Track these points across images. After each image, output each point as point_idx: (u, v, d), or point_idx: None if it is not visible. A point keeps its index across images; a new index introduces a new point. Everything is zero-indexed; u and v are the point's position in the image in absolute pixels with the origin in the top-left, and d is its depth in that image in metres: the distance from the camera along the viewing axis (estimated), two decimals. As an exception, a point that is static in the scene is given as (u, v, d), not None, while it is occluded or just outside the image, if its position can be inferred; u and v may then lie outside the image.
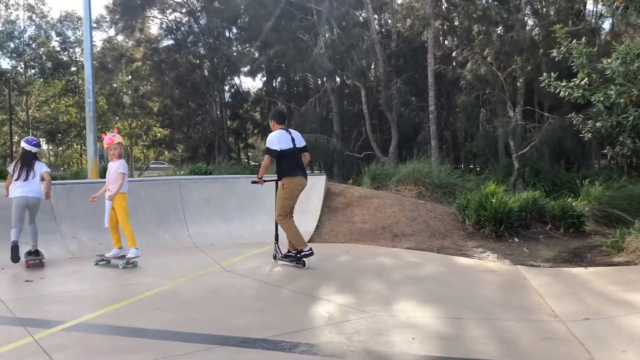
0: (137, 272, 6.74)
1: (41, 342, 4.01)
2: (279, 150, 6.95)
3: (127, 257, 7.09)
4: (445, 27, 27.72)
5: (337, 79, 28.88)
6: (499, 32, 20.62)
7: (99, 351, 3.84)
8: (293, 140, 7.20)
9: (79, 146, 54.48)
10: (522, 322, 4.51)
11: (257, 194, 10.60)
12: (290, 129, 7.45)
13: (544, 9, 20.96)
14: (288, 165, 7.04)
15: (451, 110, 26.37)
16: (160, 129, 47.12)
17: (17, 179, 7.14)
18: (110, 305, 5.09)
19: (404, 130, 24.65)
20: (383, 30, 29.68)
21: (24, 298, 5.40)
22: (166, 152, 50.57)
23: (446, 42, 29.26)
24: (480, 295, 5.54)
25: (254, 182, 7.65)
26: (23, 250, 7.19)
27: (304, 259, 6.83)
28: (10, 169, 7.38)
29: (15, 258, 6.95)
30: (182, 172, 18.63)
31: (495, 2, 19.22)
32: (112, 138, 7.21)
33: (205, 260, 7.55)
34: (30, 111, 49.92)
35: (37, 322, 4.56)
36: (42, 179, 7.36)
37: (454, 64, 23.29)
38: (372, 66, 26.14)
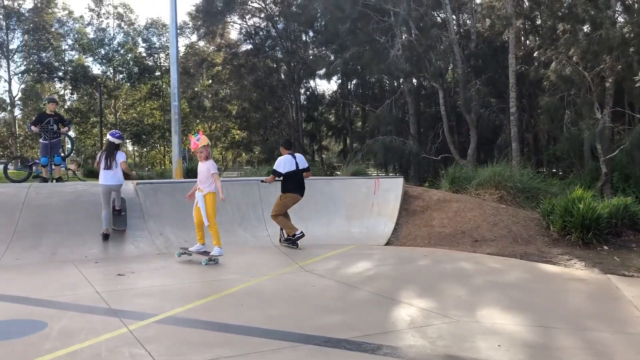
0: (220, 269, 6.95)
1: (135, 332, 4.22)
2: (283, 172, 8.91)
3: (210, 254, 7.33)
4: (527, 26, 26.78)
5: (414, 80, 28.58)
6: (585, 30, 19.66)
7: (189, 343, 3.99)
8: (297, 164, 9.02)
9: (162, 147, 56.84)
10: (617, 335, 4.28)
11: (333, 196, 10.70)
12: (295, 154, 9.24)
13: (636, 5, 19.77)
14: (289, 184, 8.91)
15: (533, 112, 25.41)
16: (238, 132, 48.37)
17: (103, 168, 8.30)
18: (197, 300, 5.28)
19: (483, 132, 23.99)
20: (462, 30, 29.05)
21: (117, 291, 5.70)
22: (243, 153, 51.79)
23: (528, 41, 28.25)
24: (568, 304, 5.31)
25: (262, 181, 9.75)
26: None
27: (297, 241, 8.57)
28: (98, 156, 8.57)
29: (104, 238, 8.30)
30: (260, 173, 19.04)
31: (582, -1, 18.35)
32: (196, 142, 7.44)
33: (284, 259, 7.68)
34: (118, 114, 52.69)
35: (130, 314, 4.80)
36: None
37: (537, 64, 22.39)
38: (450, 67, 25.65)
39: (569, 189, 12.30)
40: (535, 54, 25.00)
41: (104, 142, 55.58)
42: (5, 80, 49.32)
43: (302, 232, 8.62)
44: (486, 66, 24.74)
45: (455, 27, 25.75)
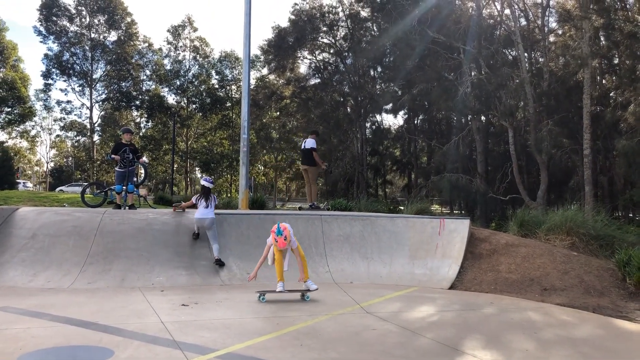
0: (280, 305, 6.97)
1: (196, 367, 4.27)
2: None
3: (311, 288, 7.52)
4: (603, 65, 25.96)
5: (483, 118, 28.13)
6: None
7: (248, 383, 4.00)
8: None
9: (229, 176, 58.29)
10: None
11: (396, 234, 10.56)
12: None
13: None
14: None
15: (608, 154, 24.39)
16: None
17: (201, 207, 9.41)
18: (257, 337, 5.30)
19: (554, 173, 23.21)
20: (534, 69, 28.50)
21: (181, 322, 5.81)
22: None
23: (604, 81, 27.34)
24: (647, 368, 4.96)
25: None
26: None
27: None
28: (194, 199, 9.66)
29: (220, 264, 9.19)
30: (324, 206, 19.11)
31: (665, 40, 17.55)
32: (283, 242, 7.46)
33: (344, 298, 7.61)
34: (190, 142, 54.59)
35: (192, 347, 4.87)
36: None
37: (613, 105, 21.52)
38: (521, 105, 25.11)
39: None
40: (612, 94, 24.11)
41: (174, 168, 57.66)
42: (87, 108, 52.36)
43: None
44: (559, 106, 24.04)
45: (527, 65, 25.29)
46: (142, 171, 13.80)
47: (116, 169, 11.29)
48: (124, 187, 11.16)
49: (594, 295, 8.42)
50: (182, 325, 5.67)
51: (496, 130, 27.86)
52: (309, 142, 13.69)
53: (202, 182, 10.00)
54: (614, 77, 25.45)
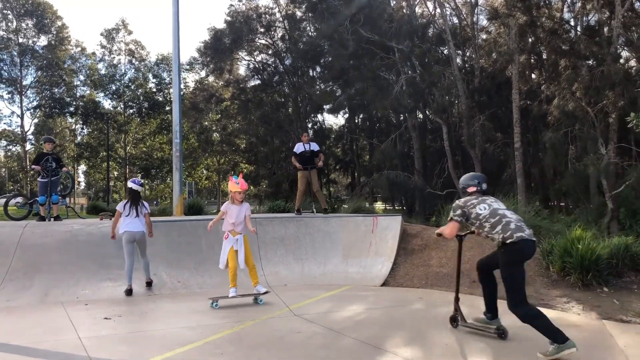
0: (209, 313, 6.85)
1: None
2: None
3: (262, 295, 7.45)
4: (532, 60, 26.93)
5: (420, 115, 28.68)
6: (588, 65, 19.70)
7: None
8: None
9: (171, 181, 57.10)
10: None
11: (330, 234, 10.60)
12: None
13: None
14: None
15: (538, 146, 25.33)
16: (246, 165, 48.61)
17: (127, 216, 8.17)
18: (178, 348, 5.18)
19: (488, 167, 23.90)
20: (466, 65, 29.30)
21: (100, 337, 5.61)
22: (252, 187, 51.95)
23: (533, 75, 28.38)
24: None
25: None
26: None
27: None
28: (119, 207, 8.30)
29: (128, 293, 8.07)
30: (262, 208, 19.03)
31: (584, 36, 18.35)
32: (244, 184, 7.52)
33: (275, 302, 7.56)
34: (128, 148, 53.18)
35: (108, 363, 4.71)
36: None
37: (541, 98, 22.40)
38: (454, 101, 25.75)
39: (574, 225, 12.08)
40: (540, 89, 25.07)
41: (111, 176, 56.02)
42: (18, 116, 50.21)
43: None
44: (490, 101, 24.81)
45: (459, 62, 25.96)
46: (69, 180, 13.31)
47: (39, 179, 10.85)
48: (48, 198, 10.73)
49: (519, 284, 8.69)
50: (100, 340, 5.48)
51: (432, 126, 28.49)
52: (314, 145, 12.86)
53: (130, 185, 8.56)
54: (542, 72, 26.48)
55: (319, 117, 41.89)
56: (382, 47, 24.08)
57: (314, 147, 12.81)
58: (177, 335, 5.71)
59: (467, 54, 30.62)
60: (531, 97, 24.54)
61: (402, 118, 30.25)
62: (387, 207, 42.82)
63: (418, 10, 28.10)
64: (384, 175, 24.46)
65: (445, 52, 26.86)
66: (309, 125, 40.91)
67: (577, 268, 8.41)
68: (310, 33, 36.79)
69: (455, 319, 6.15)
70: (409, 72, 23.98)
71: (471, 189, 5.99)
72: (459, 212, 5.82)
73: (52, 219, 10.70)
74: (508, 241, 5.28)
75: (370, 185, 28.85)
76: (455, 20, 29.65)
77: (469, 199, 5.85)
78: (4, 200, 13.51)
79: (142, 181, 8.83)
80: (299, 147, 12.93)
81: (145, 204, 8.56)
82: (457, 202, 6.04)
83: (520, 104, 21.93)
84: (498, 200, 5.97)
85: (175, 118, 14.47)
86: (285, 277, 9.52)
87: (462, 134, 24.10)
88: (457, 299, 6.22)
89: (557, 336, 4.92)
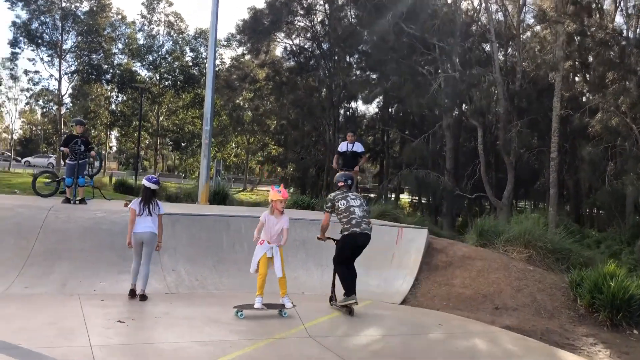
0: (223, 324, 6.71)
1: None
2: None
3: (287, 308, 7.27)
4: (577, 65, 26.03)
5: (456, 112, 28.06)
6: (638, 79, 18.88)
7: None
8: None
9: (199, 156, 57.57)
10: None
11: (355, 242, 10.37)
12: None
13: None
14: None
15: (576, 158, 24.63)
16: (275, 147, 48.57)
17: (139, 215, 7.56)
18: (188, 369, 5.05)
19: (521, 174, 23.35)
20: (507, 64, 28.46)
21: (110, 346, 5.51)
22: (279, 168, 52.00)
23: (576, 78, 27.44)
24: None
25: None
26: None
27: None
28: (133, 204, 7.67)
29: (131, 295, 7.59)
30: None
31: (637, 49, 17.56)
32: (286, 193, 7.40)
33: (292, 314, 7.38)
34: (160, 119, 53.60)
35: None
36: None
37: (583, 110, 21.62)
38: (492, 105, 25.08)
39: (605, 244, 11.68)
40: (583, 99, 24.26)
41: (145, 145, 56.53)
42: (56, 79, 50.85)
43: None
44: (530, 107, 24.11)
45: (500, 63, 25.15)
46: (98, 163, 13.32)
47: (67, 161, 10.86)
48: (75, 180, 10.73)
49: (545, 316, 8.39)
50: (111, 350, 5.39)
51: (466, 126, 27.85)
52: (358, 146, 12.47)
53: (144, 182, 7.77)
54: (587, 79, 25.57)
55: (352, 103, 41.49)
56: (423, 43, 23.54)
57: (358, 147, 12.49)
58: (187, 353, 5.57)
59: (509, 51, 29.78)
60: (573, 105, 23.78)
61: (437, 113, 29.71)
62: (414, 200, 42.39)
63: (463, 5, 27.35)
64: (413, 173, 24.09)
65: (487, 49, 26.14)
66: (341, 112, 40.55)
67: (607, 306, 8.05)
68: (350, 19, 36.22)
69: (332, 299, 8.02)
70: (449, 70, 23.38)
71: (340, 184, 8.00)
72: (329, 204, 7.81)
73: (77, 202, 10.71)
74: (344, 233, 7.63)
75: (398, 179, 28.51)
76: (500, 16, 28.80)
77: (337, 194, 7.84)
78: (36, 172, 13.62)
79: (159, 178, 8.18)
80: (342, 147, 12.72)
81: (160, 204, 7.84)
82: (329, 195, 8.03)
83: (561, 112, 21.25)
84: (359, 196, 8.08)
85: (208, 104, 14.37)
86: (304, 283, 9.36)
87: (498, 138, 23.52)
88: (333, 284, 8.08)
89: (348, 291, 7.46)
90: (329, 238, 8.07)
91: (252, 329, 6.56)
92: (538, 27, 28.03)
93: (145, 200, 7.62)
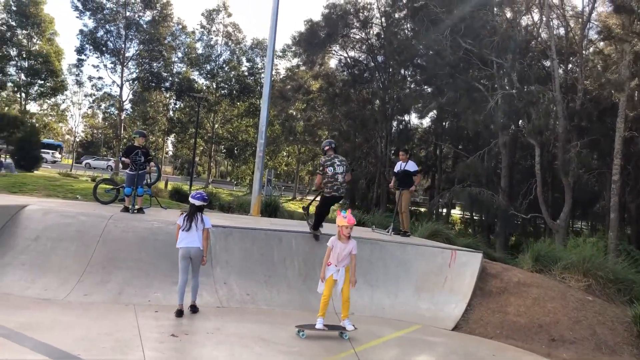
0: (272, 343, 6.72)
1: None
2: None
3: (347, 329, 7.28)
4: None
5: (512, 128, 27.38)
6: None
7: None
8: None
9: (252, 164, 58.45)
10: None
11: (405, 263, 10.23)
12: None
13: None
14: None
15: (639, 181, 23.59)
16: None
17: (184, 230, 7.60)
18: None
19: (579, 195, 22.54)
20: (568, 81, 27.60)
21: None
22: (329, 179, 52.05)
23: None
24: None
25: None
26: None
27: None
28: (179, 220, 7.72)
29: (178, 314, 7.46)
30: (335, 215, 18.83)
31: None
32: (353, 219, 7.43)
33: (339, 340, 7.32)
34: (215, 127, 54.70)
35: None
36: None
37: (649, 130, 20.75)
38: (551, 121, 24.33)
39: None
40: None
41: (199, 151, 57.70)
42: (118, 85, 52.71)
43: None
44: (591, 126, 23.27)
45: (561, 80, 24.40)
46: (156, 174, 13.65)
47: (127, 171, 11.19)
48: (134, 191, 11.05)
49: (605, 352, 8.04)
50: (164, 366, 5.48)
51: (523, 143, 27.15)
52: (411, 165, 12.35)
53: (190, 200, 7.87)
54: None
55: (405, 116, 41.16)
56: (480, 59, 23.13)
57: (410, 167, 12.38)
58: (238, 372, 5.62)
59: (570, 67, 28.90)
60: (638, 126, 22.80)
61: (492, 128, 29.10)
62: (465, 216, 41.60)
63: (523, 21, 26.74)
64: (466, 190, 23.63)
65: (547, 65, 25.44)
66: (394, 125, 40.31)
67: (673, 344, 7.64)
68: (406, 32, 36.06)
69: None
70: (506, 86, 22.87)
71: (327, 148, 9.92)
72: (321, 168, 9.68)
73: (136, 211, 11.00)
74: (326, 195, 9.62)
75: (450, 195, 28.04)
76: (562, 32, 28.02)
77: (327, 160, 9.61)
78: (95, 181, 14.08)
79: (206, 195, 8.16)
80: (396, 167, 12.73)
81: (206, 218, 7.80)
82: (320, 159, 9.91)
83: (625, 134, 20.41)
84: (344, 162, 9.81)
85: (263, 118, 14.53)
86: (354, 303, 9.17)
87: (556, 157, 22.80)
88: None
89: (315, 226, 10.27)
90: (320, 194, 10.08)
91: (302, 351, 6.54)
92: (602, 44, 27.14)
93: (190, 215, 7.65)
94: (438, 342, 7.75)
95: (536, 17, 26.94)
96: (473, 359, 7.14)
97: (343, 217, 7.35)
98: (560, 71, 24.73)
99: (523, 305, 9.30)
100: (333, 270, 7.28)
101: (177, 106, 57.66)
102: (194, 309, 7.69)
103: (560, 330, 8.53)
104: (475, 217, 34.86)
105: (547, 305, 9.25)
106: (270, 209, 16.05)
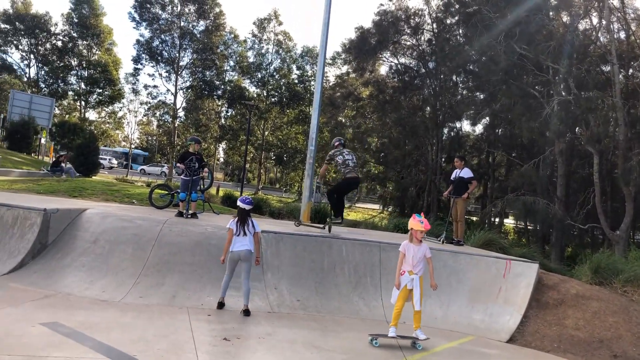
0: (324, 349, 6.70)
1: None
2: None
3: (420, 340, 7.25)
4: None
5: (568, 135, 26.53)
6: None
7: None
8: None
9: (301, 171, 58.82)
10: None
11: (457, 272, 10.04)
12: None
13: None
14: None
15: None
16: (375, 165, 48.46)
17: (236, 235, 7.95)
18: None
19: (641, 207, 21.58)
20: (629, 87, 26.53)
21: (217, 365, 5.67)
22: (378, 186, 51.77)
23: None
24: None
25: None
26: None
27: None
28: (231, 224, 8.05)
29: (219, 307, 8.14)
30: (385, 223, 18.72)
31: None
32: (429, 224, 7.49)
33: (392, 346, 7.24)
34: (266, 134, 55.37)
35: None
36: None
37: None
38: (611, 128, 23.44)
39: None
40: None
41: (249, 158, 58.53)
42: (172, 93, 54.18)
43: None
44: (654, 133, 22.30)
45: (622, 83, 23.45)
46: (209, 179, 13.93)
47: (181, 177, 11.45)
48: (188, 196, 11.29)
49: (671, 370, 7.63)
50: (218, 369, 5.54)
51: (581, 152, 26.26)
52: (466, 172, 12.27)
53: (239, 204, 8.15)
54: None
55: (457, 123, 40.49)
56: (535, 64, 22.54)
57: (464, 173, 12.25)
58: (290, 378, 5.62)
59: (631, 72, 27.79)
60: None
61: (547, 135, 28.26)
62: (519, 226, 40.52)
63: (581, 25, 25.92)
64: (520, 199, 23.02)
65: (606, 70, 24.54)
66: (445, 132, 39.72)
67: None
68: (458, 38, 35.55)
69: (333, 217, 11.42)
70: (563, 92, 22.18)
71: (337, 144, 11.50)
72: (328, 158, 11.25)
73: (190, 216, 11.23)
74: (345, 176, 11.02)
75: (504, 204, 27.38)
76: (622, 35, 27.00)
77: (335, 152, 11.22)
78: (151, 186, 14.44)
79: (252, 199, 8.92)
80: (453, 174, 12.58)
81: (256, 223, 8.15)
82: (329, 152, 11.30)
83: (692, 141, 19.46)
84: (351, 152, 11.41)
85: (313, 126, 14.57)
86: (405, 312, 9.13)
87: (616, 166, 21.94)
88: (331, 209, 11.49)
89: (336, 213, 11.30)
90: (326, 183, 10.81)
91: (353, 359, 6.48)
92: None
93: (241, 220, 7.99)
94: (492, 354, 7.54)
95: (595, 20, 26.09)
96: (530, 373, 6.92)
97: (420, 222, 7.33)
98: (621, 76, 23.76)
99: (582, 318, 8.96)
100: (407, 280, 7.25)
101: (228, 114, 58.77)
102: (246, 312, 7.90)
103: (623, 346, 8.17)
104: (529, 227, 33.89)
105: (608, 320, 8.88)
106: (320, 216, 16.06)
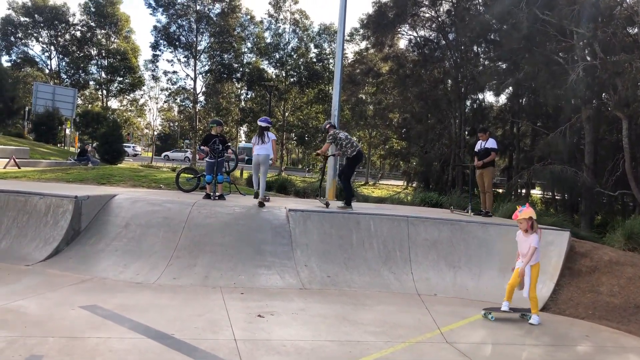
0: (358, 323, 6.75)
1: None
2: None
3: (530, 322, 7.39)
4: None
5: (595, 101, 25.95)
6: None
7: None
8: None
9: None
10: None
11: (487, 243, 10.00)
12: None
13: None
14: None
15: None
16: (397, 141, 48.19)
17: (255, 145, 11.26)
18: (327, 369, 5.12)
19: (673, 170, 21.06)
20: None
21: (254, 341, 5.74)
22: (401, 162, 51.53)
23: None
24: None
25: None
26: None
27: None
28: (253, 140, 11.42)
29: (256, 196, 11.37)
30: (410, 198, 18.63)
31: None
32: (517, 214, 7.61)
33: (425, 319, 7.26)
34: (286, 115, 55.31)
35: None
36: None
37: None
38: (639, 92, 22.81)
39: None
40: None
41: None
42: (191, 78, 54.35)
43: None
44: (685, 95, 21.61)
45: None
46: (234, 161, 14.01)
47: (206, 159, 11.53)
48: (214, 178, 11.37)
49: None
50: (254, 346, 5.62)
51: (608, 118, 25.66)
52: (491, 142, 12.26)
53: (259, 122, 11.54)
54: None
55: (480, 95, 39.86)
56: (559, 29, 21.97)
57: (489, 144, 12.21)
58: (325, 350, 5.66)
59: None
60: None
61: (573, 103, 27.67)
62: (546, 196, 39.99)
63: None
64: (547, 169, 22.65)
65: (633, 32, 23.82)
66: (468, 104, 39.17)
67: None
68: (478, 7, 34.81)
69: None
70: (588, 58, 21.62)
71: (328, 126, 11.98)
72: (330, 138, 11.46)
73: (217, 198, 11.33)
74: (353, 154, 11.28)
75: (530, 174, 27.00)
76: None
77: (335, 132, 11.57)
78: (178, 170, 14.59)
79: (270, 119, 12.52)
80: (477, 146, 12.53)
81: (271, 134, 11.32)
82: (330, 132, 11.57)
83: None
84: (347, 134, 11.78)
85: (335, 103, 14.53)
86: (436, 285, 9.15)
87: (645, 130, 21.42)
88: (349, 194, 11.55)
89: (348, 200, 11.29)
90: (326, 157, 12.53)
91: (387, 331, 6.52)
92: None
93: (260, 134, 11.24)
94: (526, 322, 7.50)
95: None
96: (565, 340, 6.87)
97: (519, 212, 7.54)
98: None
99: (617, 284, 8.85)
100: (520, 264, 7.51)
101: (248, 96, 58.79)
102: (260, 204, 10.62)
103: (660, 311, 8.04)
104: (557, 197, 33.42)
105: (637, 283, 8.76)
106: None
